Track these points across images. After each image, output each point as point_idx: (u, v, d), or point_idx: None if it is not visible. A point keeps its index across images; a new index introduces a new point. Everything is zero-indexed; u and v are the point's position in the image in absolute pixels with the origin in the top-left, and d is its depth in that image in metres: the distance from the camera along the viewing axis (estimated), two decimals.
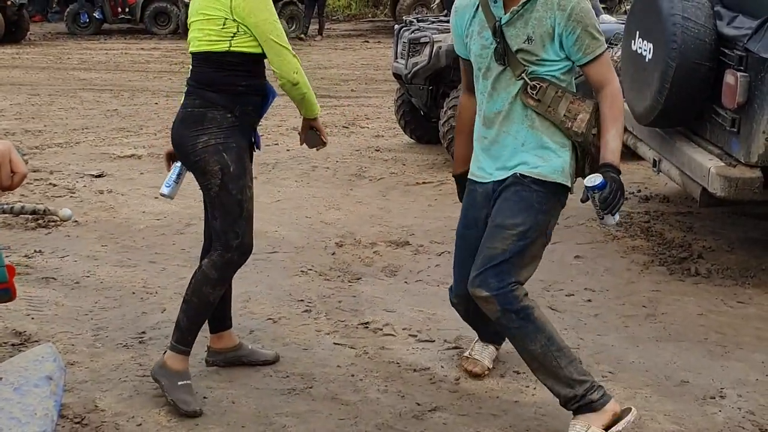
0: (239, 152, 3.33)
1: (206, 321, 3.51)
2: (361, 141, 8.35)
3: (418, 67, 7.20)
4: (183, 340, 3.40)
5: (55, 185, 6.55)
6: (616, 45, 6.88)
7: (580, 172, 3.23)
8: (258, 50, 3.29)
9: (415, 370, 3.67)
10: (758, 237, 5.32)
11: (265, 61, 3.40)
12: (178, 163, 3.47)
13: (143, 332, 4.02)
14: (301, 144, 3.70)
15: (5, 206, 1.48)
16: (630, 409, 3.15)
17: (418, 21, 7.91)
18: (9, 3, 15.93)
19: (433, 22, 7.73)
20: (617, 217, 3.13)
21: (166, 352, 3.45)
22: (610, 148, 3.05)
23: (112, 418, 3.26)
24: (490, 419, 3.28)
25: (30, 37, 17.42)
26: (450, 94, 6.96)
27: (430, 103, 7.36)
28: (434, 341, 3.95)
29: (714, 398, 3.46)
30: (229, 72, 3.30)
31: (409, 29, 7.62)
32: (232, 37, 3.25)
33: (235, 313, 4.15)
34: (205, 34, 3.30)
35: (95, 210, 5.95)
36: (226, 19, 3.24)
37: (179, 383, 3.34)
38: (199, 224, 3.36)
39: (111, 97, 10.70)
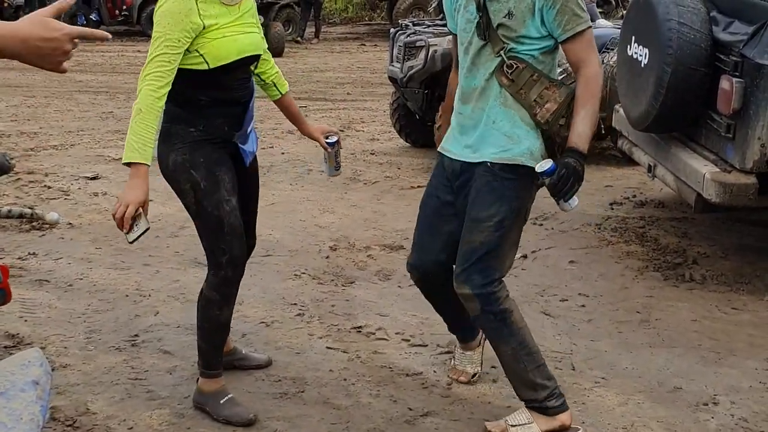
0: (209, 166, 3.14)
1: (220, 344, 3.38)
2: (357, 144, 8.34)
3: (413, 70, 7.21)
4: (209, 365, 3.34)
5: (49, 187, 6.54)
6: (612, 50, 6.89)
7: (552, 156, 3.16)
8: (204, 67, 3.07)
9: (407, 375, 3.66)
10: (753, 243, 5.32)
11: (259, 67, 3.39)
12: None
13: (136, 335, 4.01)
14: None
15: None
16: (578, 429, 3.21)
17: (414, 25, 7.91)
18: (6, 5, 15.93)
19: (429, 26, 7.73)
20: (575, 202, 3.12)
21: (198, 379, 3.40)
22: (577, 132, 3.02)
23: (104, 421, 3.25)
24: (481, 424, 3.27)
25: None
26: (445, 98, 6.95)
27: (426, 106, 7.36)
28: (427, 346, 3.94)
29: (707, 405, 3.45)
30: (188, 85, 3.11)
31: (405, 33, 7.62)
32: (187, 53, 3.06)
33: None
34: None
35: (89, 212, 5.94)
36: None
37: (221, 401, 3.29)
38: (192, 227, 3.34)
39: (107, 99, 10.69)
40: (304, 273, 4.85)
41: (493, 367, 3.72)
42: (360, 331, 4.09)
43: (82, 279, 4.69)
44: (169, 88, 3.04)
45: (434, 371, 3.70)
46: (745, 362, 3.82)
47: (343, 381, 3.60)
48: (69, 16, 18.22)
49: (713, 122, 4.52)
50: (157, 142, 3.18)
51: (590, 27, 3.08)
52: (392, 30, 8.06)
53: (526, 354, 3.16)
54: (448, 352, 3.84)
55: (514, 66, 3.04)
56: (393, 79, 7.61)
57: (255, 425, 3.23)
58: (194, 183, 3.13)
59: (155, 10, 3.11)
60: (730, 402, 3.47)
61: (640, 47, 4.84)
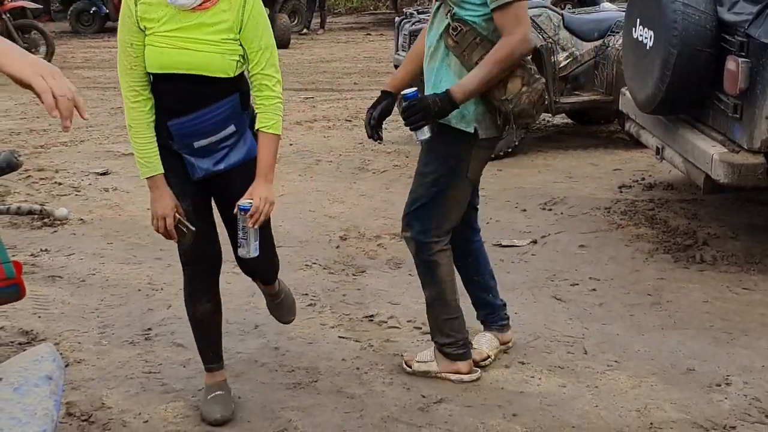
0: (170, 174, 3.06)
1: (205, 339, 3.34)
2: (364, 134, 8.27)
3: None
4: (202, 359, 3.38)
5: (60, 184, 6.57)
6: (617, 33, 6.87)
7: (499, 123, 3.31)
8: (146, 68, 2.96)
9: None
10: (763, 223, 5.30)
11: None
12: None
13: (149, 329, 4.03)
14: None
15: (2, 207, 1.49)
16: (476, 375, 3.50)
17: (419, 13, 7.90)
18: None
19: None
20: (423, 135, 3.23)
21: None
22: (460, 82, 3.16)
23: (119, 415, 3.28)
24: (495, 410, 3.29)
25: (34, 36, 17.43)
26: None
27: None
28: None
29: (720, 386, 3.45)
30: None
31: (410, 21, 7.62)
32: None
33: (240, 307, 4.19)
34: None
35: (100, 208, 5.97)
36: None
37: (209, 396, 3.29)
38: None
39: (115, 95, 10.69)
40: (314, 263, 4.86)
41: (505, 353, 3.73)
42: (372, 320, 4.10)
43: (94, 274, 4.72)
44: (144, 89, 2.96)
45: None
46: (757, 342, 3.82)
47: (356, 370, 3.62)
48: (76, 13, 18.28)
49: (720, 103, 4.51)
50: None
51: (520, 2, 3.17)
52: (397, 19, 8.05)
53: (441, 305, 3.49)
54: None
55: (459, 28, 3.19)
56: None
57: (266, 415, 3.25)
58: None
59: None
60: (743, 382, 3.47)
61: (646, 29, 4.82)
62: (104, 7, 18.16)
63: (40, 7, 16.51)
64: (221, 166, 3.04)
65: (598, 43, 7.23)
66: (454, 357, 3.51)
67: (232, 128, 3.01)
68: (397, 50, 7.73)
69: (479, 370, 3.55)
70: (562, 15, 7.26)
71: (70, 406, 3.30)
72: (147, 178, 3.02)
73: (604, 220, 5.49)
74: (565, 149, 7.44)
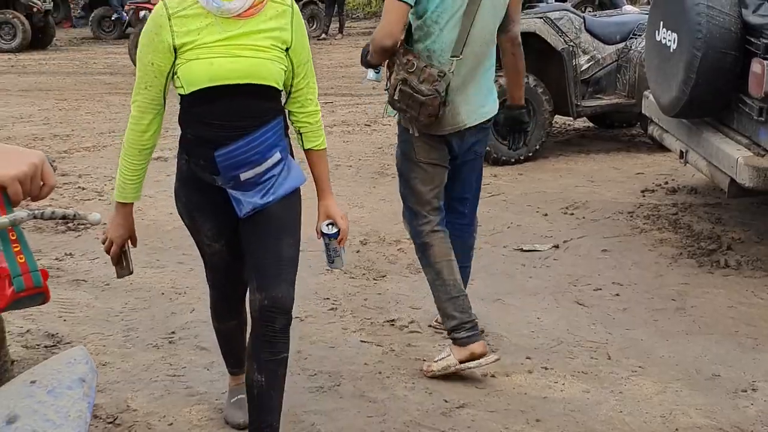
0: (189, 209, 2.95)
1: (229, 348, 3.32)
2: (383, 138, 8.34)
3: None
4: (225, 362, 3.39)
5: (83, 188, 6.61)
6: (640, 36, 6.84)
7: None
8: (182, 91, 2.74)
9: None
10: None
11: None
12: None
13: (173, 332, 4.05)
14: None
15: (36, 211, 1.49)
16: (493, 357, 3.56)
17: None
18: (35, 10, 16.08)
19: None
20: (368, 75, 3.93)
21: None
22: None
23: (144, 418, 3.30)
24: (518, 415, 3.28)
25: (56, 42, 17.58)
26: None
27: None
28: None
29: (746, 391, 3.43)
30: (181, 115, 2.84)
31: None
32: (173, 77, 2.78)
33: None
34: None
35: None
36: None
37: (232, 400, 3.35)
38: None
39: None
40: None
41: (528, 358, 3.72)
42: (393, 324, 4.10)
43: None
44: (153, 116, 2.82)
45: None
46: None
47: (378, 374, 3.62)
48: (97, 20, 18.40)
49: (745, 106, 4.48)
50: None
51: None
52: None
53: (440, 284, 3.64)
54: None
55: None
56: None
57: (289, 419, 3.26)
58: (181, 214, 3.03)
59: None
60: None
61: (669, 32, 4.80)
62: (125, 14, 18.29)
63: None
64: (270, 199, 2.81)
65: (620, 45, 7.20)
66: (464, 341, 3.55)
67: (278, 155, 2.81)
68: None
69: (494, 354, 3.63)
70: (583, 18, 7.23)
71: (96, 408, 3.31)
72: (117, 201, 2.96)
73: (627, 225, 5.47)
74: (587, 153, 7.42)
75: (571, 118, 7.72)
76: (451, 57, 3.44)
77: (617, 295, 4.41)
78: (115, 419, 3.27)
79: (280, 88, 2.80)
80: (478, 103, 3.61)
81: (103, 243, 2.98)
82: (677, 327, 4.02)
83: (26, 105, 10.41)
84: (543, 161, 7.12)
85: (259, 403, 2.84)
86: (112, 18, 18.39)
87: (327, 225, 2.93)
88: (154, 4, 2.79)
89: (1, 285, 1.43)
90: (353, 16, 22.47)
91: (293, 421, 3.25)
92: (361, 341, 3.93)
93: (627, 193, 6.17)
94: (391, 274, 4.78)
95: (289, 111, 2.94)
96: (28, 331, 4.02)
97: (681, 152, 5.16)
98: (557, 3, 7.30)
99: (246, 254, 2.89)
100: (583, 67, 7.12)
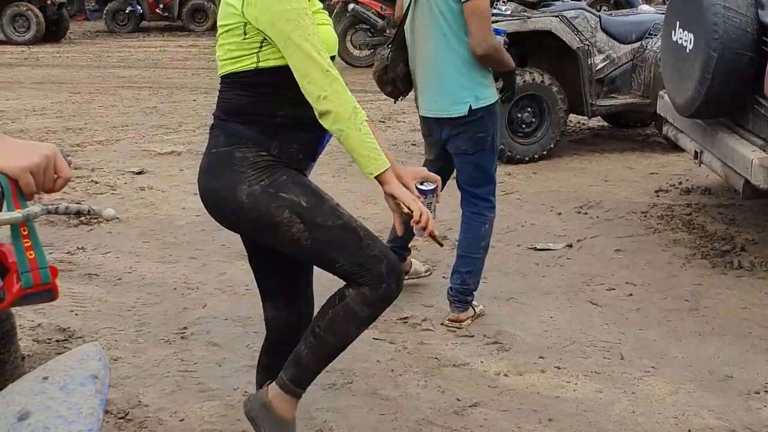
0: (297, 179, 2.51)
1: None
2: (398, 135, 8.33)
3: None
4: (300, 381, 2.65)
5: (96, 182, 6.62)
6: (656, 36, 6.81)
7: None
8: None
9: (454, 365, 3.66)
10: None
11: None
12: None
13: (185, 328, 4.05)
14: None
15: (50, 206, 1.49)
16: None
17: None
18: (50, 2, 16.14)
19: None
20: None
21: (269, 384, 2.71)
22: None
23: (156, 413, 3.30)
24: (531, 415, 3.26)
25: (70, 35, 17.64)
26: None
27: None
28: (473, 336, 3.94)
29: (759, 393, 3.41)
30: (261, 97, 2.47)
31: None
32: (259, 48, 2.41)
33: None
34: (226, 51, 2.48)
35: (136, 207, 6.01)
36: (246, 24, 2.40)
37: None
38: None
39: (150, 95, 10.80)
40: None
41: (541, 357, 3.71)
42: (406, 322, 4.09)
43: (130, 273, 4.76)
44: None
45: (481, 361, 3.70)
46: None
47: (390, 372, 3.61)
48: (112, 13, 18.45)
49: (760, 107, 4.46)
50: (205, 173, 2.56)
51: None
52: None
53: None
54: (495, 342, 3.85)
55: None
56: None
57: (302, 416, 3.25)
58: (293, 205, 2.46)
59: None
60: None
61: (685, 32, 4.77)
62: (139, 7, 18.33)
63: None
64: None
65: (635, 45, 7.16)
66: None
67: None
68: None
69: None
70: (599, 17, 7.20)
71: (108, 403, 3.30)
72: (382, 172, 2.46)
73: (641, 225, 5.44)
74: (601, 152, 7.39)
75: (586, 117, 7.69)
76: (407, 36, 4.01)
77: (630, 295, 4.39)
78: (126, 414, 3.28)
79: None
80: (430, 95, 3.91)
81: (417, 222, 2.47)
82: (690, 328, 4.00)
83: (39, 98, 10.45)
84: (557, 160, 7.10)
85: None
86: (126, 11, 18.43)
87: (422, 184, 2.72)
88: None
89: (9, 281, 1.43)
90: None
91: (306, 418, 3.25)
92: (374, 339, 3.92)
93: (641, 192, 6.14)
94: None
95: None
96: (39, 325, 4.03)
97: (696, 153, 5.13)
98: (573, 2, 7.26)
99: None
100: (599, 66, 7.09)
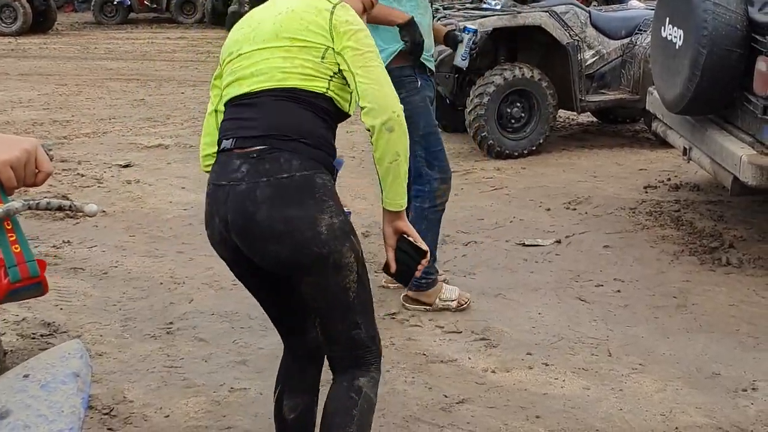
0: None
1: None
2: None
3: (444, 55, 7.15)
4: None
5: (83, 175, 6.58)
6: (646, 32, 6.81)
7: None
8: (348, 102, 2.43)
9: (442, 362, 3.65)
10: None
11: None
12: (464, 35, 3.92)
13: (171, 323, 4.03)
14: (386, 270, 2.47)
15: (31, 201, 1.47)
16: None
17: (445, 9, 7.85)
18: None
19: (460, 10, 7.67)
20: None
21: None
22: None
23: (141, 409, 3.27)
24: (518, 411, 3.25)
25: (57, 27, 17.55)
26: (476, 82, 6.92)
27: (457, 91, 7.31)
28: (461, 332, 3.92)
29: (746, 390, 3.41)
30: (323, 122, 2.36)
31: (435, 17, 7.56)
32: (330, 78, 2.35)
33: None
34: (297, 65, 2.32)
35: (123, 200, 5.98)
36: (327, 48, 2.33)
37: None
38: None
39: (138, 87, 10.74)
40: None
41: (528, 354, 3.70)
42: (394, 318, 4.08)
43: (116, 267, 4.72)
44: None
45: (469, 358, 3.68)
46: None
47: None
48: (99, 4, 18.36)
49: (749, 104, 4.45)
50: (272, 202, 2.23)
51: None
52: None
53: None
54: (482, 339, 3.84)
55: None
56: None
57: None
58: (357, 252, 2.31)
59: (336, 12, 2.37)
60: None
61: (675, 29, 4.76)
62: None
63: None
64: None
65: (625, 41, 7.17)
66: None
67: None
68: None
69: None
70: (589, 12, 7.20)
71: (92, 399, 3.29)
72: (400, 209, 2.40)
73: (629, 221, 5.44)
74: (590, 148, 7.39)
75: (575, 113, 7.69)
76: None
77: (618, 291, 4.39)
78: (111, 410, 3.25)
79: None
80: None
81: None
82: (678, 325, 4.00)
83: (26, 89, 10.38)
84: (546, 155, 7.09)
85: None
86: (115, 2, 18.35)
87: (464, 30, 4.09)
88: None
89: None
90: None
91: None
92: None
93: (629, 189, 6.14)
94: None
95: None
96: (24, 319, 4.00)
97: (684, 149, 5.13)
98: None
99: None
100: (588, 62, 7.09)
